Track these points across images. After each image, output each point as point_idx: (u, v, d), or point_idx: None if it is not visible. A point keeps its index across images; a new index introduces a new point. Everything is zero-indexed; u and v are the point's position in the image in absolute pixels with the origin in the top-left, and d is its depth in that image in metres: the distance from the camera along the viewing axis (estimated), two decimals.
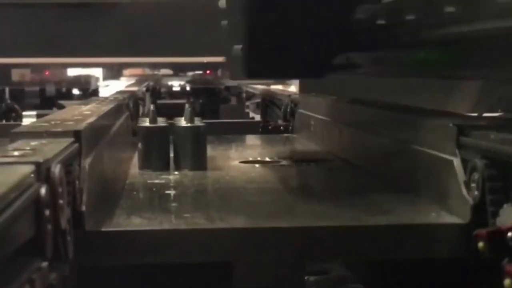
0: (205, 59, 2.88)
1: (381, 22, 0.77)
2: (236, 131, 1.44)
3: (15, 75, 2.84)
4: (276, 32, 0.74)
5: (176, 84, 3.34)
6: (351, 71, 0.87)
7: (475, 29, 0.62)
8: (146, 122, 0.98)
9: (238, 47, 0.75)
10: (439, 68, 0.75)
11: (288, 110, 1.52)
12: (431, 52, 0.74)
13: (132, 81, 2.92)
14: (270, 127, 1.49)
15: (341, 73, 0.87)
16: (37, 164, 0.47)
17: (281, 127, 1.49)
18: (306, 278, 0.87)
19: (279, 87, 2.58)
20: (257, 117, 1.80)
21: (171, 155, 0.97)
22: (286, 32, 0.74)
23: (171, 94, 3.27)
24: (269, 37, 0.74)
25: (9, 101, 2.74)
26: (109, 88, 3.09)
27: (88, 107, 0.91)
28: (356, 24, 0.80)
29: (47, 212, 0.45)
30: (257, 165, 1.01)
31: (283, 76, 0.81)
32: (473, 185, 0.62)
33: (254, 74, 0.77)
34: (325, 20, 0.74)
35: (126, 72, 3.47)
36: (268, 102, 1.98)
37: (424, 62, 0.76)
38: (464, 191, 0.63)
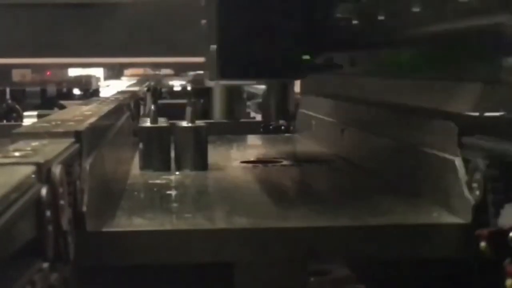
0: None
1: (358, 21, 0.77)
2: (237, 131, 1.44)
3: (16, 75, 2.84)
4: (249, 32, 0.74)
5: (177, 84, 3.34)
6: (335, 71, 0.87)
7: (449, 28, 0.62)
8: (147, 122, 0.98)
9: (213, 47, 0.75)
10: (416, 68, 0.75)
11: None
12: (407, 53, 0.74)
13: (133, 81, 2.92)
14: (271, 127, 1.49)
15: (322, 73, 0.87)
16: (38, 165, 0.46)
17: (282, 127, 1.49)
18: (308, 278, 0.87)
19: None
20: (258, 117, 1.79)
21: (172, 155, 0.97)
22: (260, 32, 0.74)
23: (172, 94, 3.26)
24: (242, 37, 0.74)
25: (10, 101, 2.74)
26: (110, 88, 3.09)
27: (89, 107, 0.91)
28: (334, 23, 0.80)
29: (48, 213, 0.45)
30: (258, 165, 1.01)
31: (255, 78, 0.80)
32: (474, 185, 0.62)
33: (225, 75, 0.77)
34: (301, 19, 0.74)
35: (127, 72, 3.47)
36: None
37: (399, 63, 0.77)
38: (466, 191, 0.63)
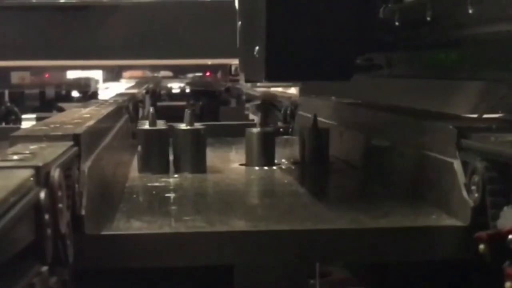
0: (207, 61, 2.88)
1: (402, 22, 0.76)
2: (236, 133, 1.44)
3: (15, 77, 2.84)
4: (296, 32, 0.72)
5: (176, 86, 3.34)
6: (374, 72, 0.86)
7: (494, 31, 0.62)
8: (145, 125, 0.98)
9: (257, 48, 0.74)
10: (458, 68, 0.74)
11: (288, 112, 1.52)
12: (452, 53, 0.74)
13: (132, 83, 2.92)
14: None
15: (365, 75, 0.86)
16: (37, 168, 0.46)
17: (281, 129, 1.49)
18: (307, 281, 0.87)
19: (279, 89, 2.57)
20: (257, 119, 1.80)
21: (171, 157, 0.97)
22: (307, 33, 0.72)
23: (171, 96, 3.27)
24: (289, 38, 0.72)
25: (8, 104, 2.74)
26: (108, 91, 3.09)
27: (87, 110, 0.91)
28: (379, 24, 0.79)
29: (46, 216, 0.45)
30: (256, 168, 1.00)
31: (304, 79, 0.79)
32: (473, 187, 0.62)
33: (273, 76, 0.75)
34: (347, 20, 0.73)
35: (126, 74, 3.47)
36: (268, 104, 1.98)
37: (444, 63, 0.76)
38: (465, 193, 0.63)
